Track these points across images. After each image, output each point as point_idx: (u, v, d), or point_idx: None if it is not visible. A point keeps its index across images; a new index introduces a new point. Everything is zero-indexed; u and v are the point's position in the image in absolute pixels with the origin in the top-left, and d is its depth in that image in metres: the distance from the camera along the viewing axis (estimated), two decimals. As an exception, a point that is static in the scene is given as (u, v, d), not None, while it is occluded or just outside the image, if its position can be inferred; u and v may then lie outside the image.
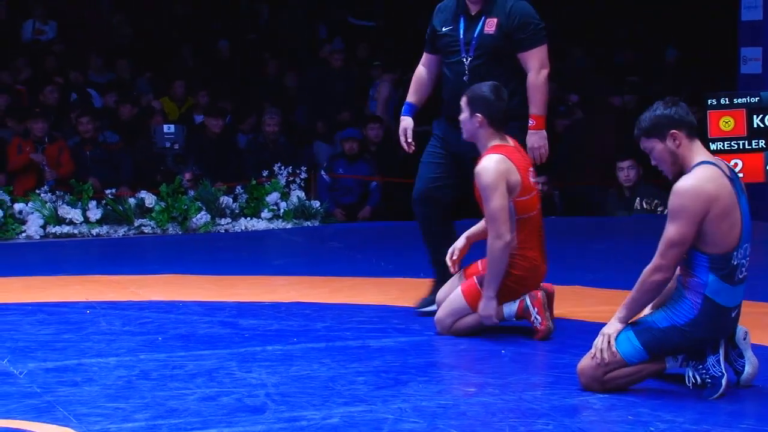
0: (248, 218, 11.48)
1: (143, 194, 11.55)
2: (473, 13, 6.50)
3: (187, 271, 8.83)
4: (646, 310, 5.21)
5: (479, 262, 6.29)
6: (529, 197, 6.21)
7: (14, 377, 5.63)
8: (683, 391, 5.17)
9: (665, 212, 11.97)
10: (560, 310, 7.09)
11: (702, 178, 4.92)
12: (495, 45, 6.47)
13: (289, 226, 11.43)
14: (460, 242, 6.42)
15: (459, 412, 4.99)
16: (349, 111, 14.35)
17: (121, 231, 11.22)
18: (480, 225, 6.38)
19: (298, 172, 12.01)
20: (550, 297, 6.36)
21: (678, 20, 17.91)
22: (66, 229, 10.97)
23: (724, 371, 5.08)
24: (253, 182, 11.77)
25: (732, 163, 11.23)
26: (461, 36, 6.50)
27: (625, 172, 12.03)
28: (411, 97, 6.78)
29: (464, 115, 5.84)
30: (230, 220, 11.38)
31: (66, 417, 4.92)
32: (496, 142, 6.12)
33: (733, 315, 5.11)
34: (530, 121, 6.47)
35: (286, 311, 7.20)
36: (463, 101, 5.99)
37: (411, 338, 6.41)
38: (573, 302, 7.31)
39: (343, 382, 5.51)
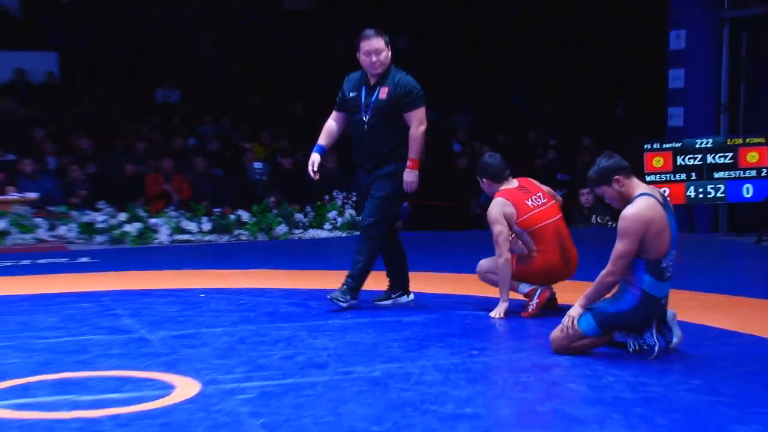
0: (314, 229, 11.52)
1: (240, 212, 11.62)
2: (372, 84, 6.45)
3: (272, 267, 8.90)
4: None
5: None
6: (529, 216, 6.27)
7: (150, 342, 5.66)
8: (627, 355, 5.17)
9: (614, 225, 12.01)
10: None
11: (642, 206, 4.96)
12: (385, 108, 6.42)
13: (343, 235, 11.45)
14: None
15: (466, 368, 4.98)
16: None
17: (225, 238, 11.27)
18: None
19: (350, 195, 12.04)
20: (552, 300, 6.38)
21: (625, 86, 17.90)
22: (186, 236, 11.04)
23: (656, 341, 5.10)
24: (318, 203, 11.81)
25: (662, 190, 11.27)
26: (362, 101, 6.45)
27: (585, 196, 12.04)
28: (322, 141, 6.67)
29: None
30: (302, 231, 11.43)
31: (187, 370, 4.94)
32: (500, 187, 6.33)
33: (663, 302, 5.15)
34: (408, 163, 6.42)
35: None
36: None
37: (431, 315, 6.41)
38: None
39: (382, 346, 5.51)
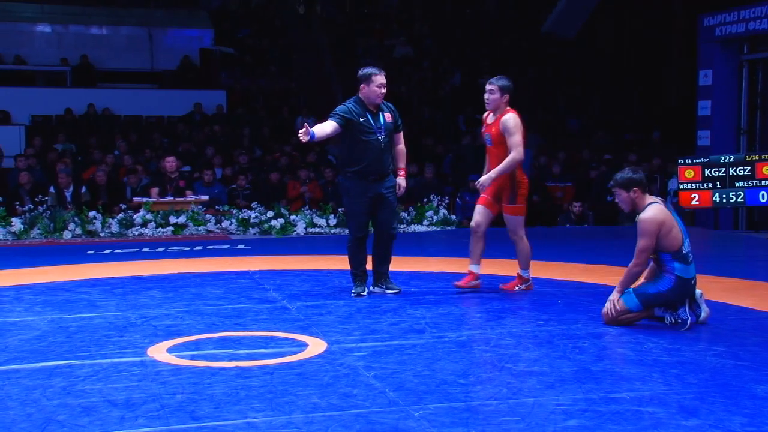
0: (416, 224, 11.45)
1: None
2: (374, 111, 6.15)
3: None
4: (641, 281, 5.11)
5: None
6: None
7: (289, 310, 5.70)
8: (664, 327, 5.00)
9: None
10: (595, 278, 6.90)
11: (655, 211, 4.93)
12: (392, 129, 6.21)
13: (438, 229, 11.37)
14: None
15: (534, 335, 4.89)
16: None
17: (347, 231, 11.28)
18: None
19: (443, 199, 11.97)
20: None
21: (661, 114, 17.48)
22: (317, 230, 11.09)
23: (688, 315, 4.95)
24: (419, 204, 11.75)
25: (692, 196, 10.92)
26: (374, 124, 6.12)
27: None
28: (318, 132, 5.97)
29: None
30: (406, 225, 11.37)
31: (317, 332, 4.96)
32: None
33: (693, 282, 5.02)
34: (401, 172, 6.28)
35: (436, 276, 7.16)
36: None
37: (506, 293, 6.30)
38: (601, 275, 7.12)
39: (468, 316, 5.45)
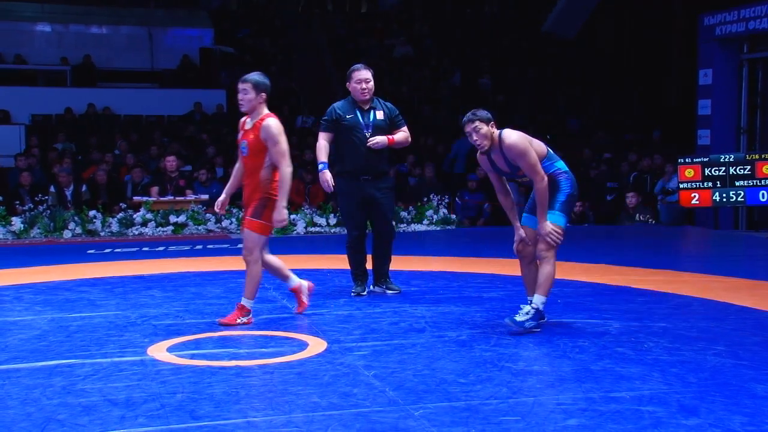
0: (415, 224, 11.45)
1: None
2: (365, 108, 6.11)
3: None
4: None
5: None
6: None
7: (289, 309, 5.69)
8: (665, 326, 4.95)
9: (654, 222, 11.57)
10: (595, 278, 6.90)
11: (511, 131, 4.93)
12: (383, 125, 6.13)
13: (438, 229, 11.37)
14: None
15: (533, 334, 4.87)
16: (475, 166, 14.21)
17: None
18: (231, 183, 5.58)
19: (443, 198, 11.96)
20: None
21: (662, 113, 17.48)
22: (317, 229, 11.10)
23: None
24: (418, 203, 11.75)
25: (692, 196, 10.92)
26: (362, 121, 6.08)
27: (630, 199, 11.83)
28: (323, 158, 6.01)
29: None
30: (406, 225, 11.37)
31: (317, 332, 4.96)
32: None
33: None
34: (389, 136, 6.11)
35: (437, 276, 7.16)
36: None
37: (506, 292, 6.29)
38: (601, 274, 7.12)
39: (468, 315, 5.43)
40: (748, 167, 10.63)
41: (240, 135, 5.34)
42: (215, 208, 5.57)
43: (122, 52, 18.63)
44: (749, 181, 10.63)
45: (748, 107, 12.09)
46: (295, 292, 5.57)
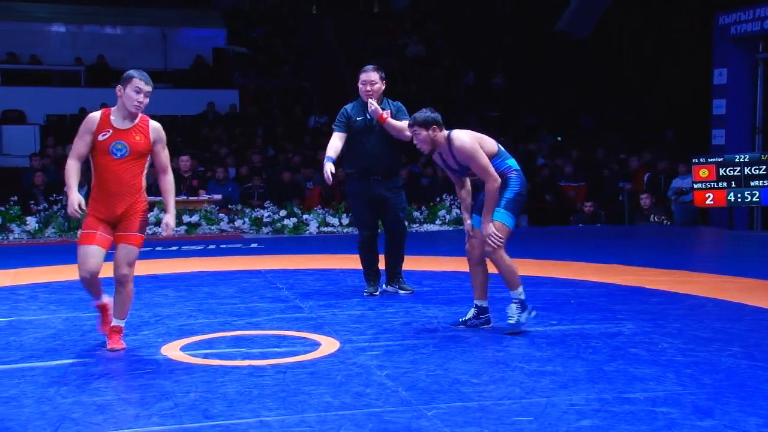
0: (428, 224, 11.44)
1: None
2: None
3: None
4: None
5: None
6: None
7: (302, 309, 5.70)
8: (679, 327, 4.92)
9: (668, 223, 11.49)
10: (608, 278, 6.87)
11: (461, 132, 4.88)
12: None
13: (450, 228, 11.36)
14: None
15: (546, 334, 4.87)
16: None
17: (360, 230, 11.30)
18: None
19: (456, 198, 11.95)
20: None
21: (676, 113, 17.41)
22: (330, 229, 11.11)
23: None
24: (431, 203, 11.74)
25: (707, 196, 10.86)
26: (372, 122, 6.11)
27: (644, 200, 11.76)
28: (331, 154, 6.07)
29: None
30: (418, 225, 11.37)
31: (330, 331, 4.96)
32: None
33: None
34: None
35: (449, 276, 7.14)
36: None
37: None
38: (614, 274, 7.09)
39: (481, 316, 5.41)
40: (764, 167, 10.56)
41: (108, 135, 4.48)
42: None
43: (136, 53, 18.71)
44: (764, 181, 10.56)
45: (764, 107, 12.03)
46: (101, 308, 4.78)
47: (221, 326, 5.13)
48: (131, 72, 4.53)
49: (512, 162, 4.92)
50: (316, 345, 4.62)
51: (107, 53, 18.01)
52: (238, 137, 15.51)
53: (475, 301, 5.08)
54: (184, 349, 4.56)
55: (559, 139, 16.18)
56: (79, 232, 4.44)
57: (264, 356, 4.38)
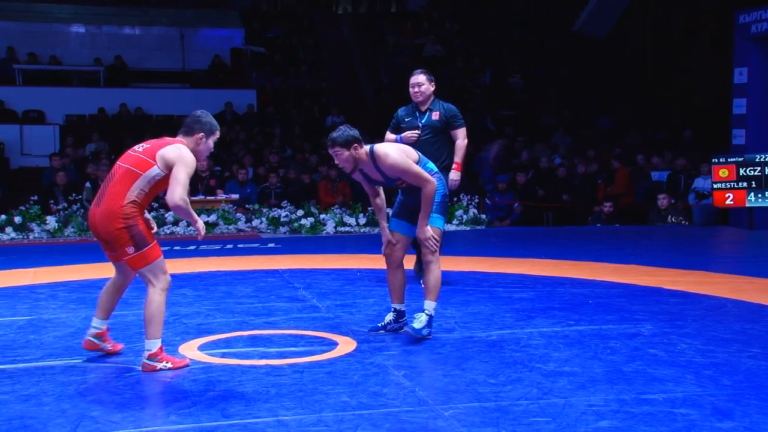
0: (446, 224, 11.42)
1: (389, 210, 11.55)
2: (423, 110, 6.53)
3: (410, 253, 8.78)
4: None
5: None
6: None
7: (319, 309, 5.71)
8: (698, 327, 4.89)
9: (686, 224, 11.41)
10: (627, 278, 6.83)
11: (385, 146, 4.82)
12: (438, 126, 6.50)
13: (467, 229, 11.33)
14: None
15: (564, 335, 4.84)
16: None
17: (377, 230, 11.30)
18: None
19: (473, 198, 11.93)
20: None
21: (695, 113, 17.30)
22: (347, 228, 11.12)
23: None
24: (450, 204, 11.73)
25: (726, 196, 10.77)
26: (418, 123, 6.49)
27: (661, 201, 11.68)
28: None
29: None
30: (436, 225, 11.35)
31: (347, 331, 4.96)
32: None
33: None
34: (454, 165, 6.48)
35: (466, 276, 7.13)
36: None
37: (536, 292, 6.26)
38: (633, 274, 7.05)
39: (497, 316, 5.41)
40: (784, 167, 10.48)
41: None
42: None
43: (154, 53, 18.82)
44: (785, 181, 10.48)
45: (785, 106, 11.92)
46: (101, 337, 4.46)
47: (239, 325, 5.15)
48: (215, 122, 4.37)
49: (432, 165, 4.88)
50: (333, 345, 4.62)
51: (126, 53, 18.12)
52: (256, 137, 15.55)
53: (394, 305, 4.97)
54: (201, 348, 4.58)
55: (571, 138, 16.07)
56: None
57: (281, 356, 4.39)
